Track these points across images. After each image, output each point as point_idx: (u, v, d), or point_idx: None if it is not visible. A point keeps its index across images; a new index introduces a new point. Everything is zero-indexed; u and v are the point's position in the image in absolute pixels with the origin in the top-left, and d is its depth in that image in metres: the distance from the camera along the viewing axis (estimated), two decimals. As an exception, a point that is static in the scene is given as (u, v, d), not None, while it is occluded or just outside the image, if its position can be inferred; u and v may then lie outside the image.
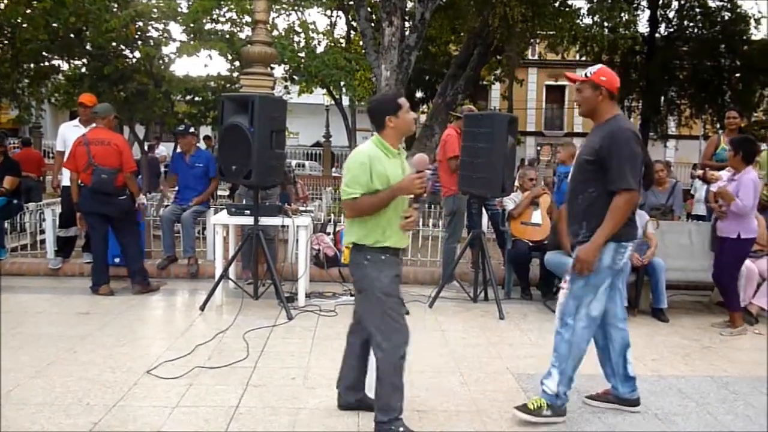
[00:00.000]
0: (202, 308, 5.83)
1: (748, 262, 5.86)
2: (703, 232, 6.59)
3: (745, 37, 19.70)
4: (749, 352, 5.18)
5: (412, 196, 3.35)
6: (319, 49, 16.81)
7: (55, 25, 10.86)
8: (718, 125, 19.44)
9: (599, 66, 3.81)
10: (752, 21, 19.51)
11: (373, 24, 11.38)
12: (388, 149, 3.34)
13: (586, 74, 3.73)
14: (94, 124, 6.35)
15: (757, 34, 19.82)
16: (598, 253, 3.54)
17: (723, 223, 5.60)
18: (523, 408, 3.67)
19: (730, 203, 5.43)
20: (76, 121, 7.11)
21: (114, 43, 11.16)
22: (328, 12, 20.38)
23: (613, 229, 3.52)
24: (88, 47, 11.46)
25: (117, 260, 6.78)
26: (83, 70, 11.97)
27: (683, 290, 7.01)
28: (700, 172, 7.11)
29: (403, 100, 3.38)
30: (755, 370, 4.73)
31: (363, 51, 13.78)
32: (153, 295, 6.42)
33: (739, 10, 19.56)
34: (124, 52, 11.71)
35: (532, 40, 16.92)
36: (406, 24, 10.75)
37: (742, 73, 19.93)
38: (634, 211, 3.66)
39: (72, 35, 11.29)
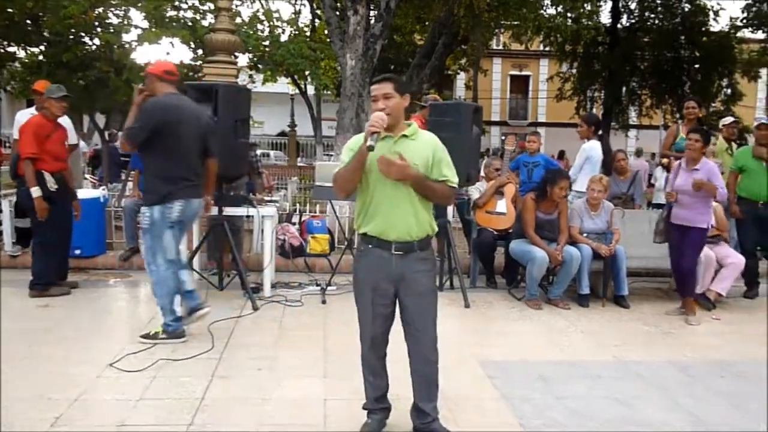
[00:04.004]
0: (166, 300, 5.76)
1: (706, 248, 5.98)
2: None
3: (704, 29, 20.07)
4: (707, 337, 5.31)
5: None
6: (284, 38, 16.66)
7: (10, 10, 10.55)
8: (677, 115, 19.80)
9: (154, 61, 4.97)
10: (711, 13, 19.88)
11: (338, 12, 11.29)
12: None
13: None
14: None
15: (715, 26, 20.22)
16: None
17: (689, 213, 5.63)
18: (145, 336, 4.63)
19: (715, 194, 5.49)
20: (32, 109, 6.93)
21: (73, 30, 10.89)
22: (293, 0, 20.19)
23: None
24: (45, 34, 11.17)
25: (78, 251, 6.67)
26: (41, 57, 11.68)
27: (643, 277, 7.15)
28: (665, 161, 7.21)
29: None
30: (713, 354, 4.85)
31: (328, 40, 13.68)
32: (116, 287, 6.32)
33: (698, 2, 19.91)
34: (83, 39, 11.43)
35: (496, 30, 17.00)
36: (372, 13, 10.68)
37: (702, 64, 20.31)
38: (183, 174, 4.56)
39: (29, 21, 11.00)
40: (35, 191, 5.57)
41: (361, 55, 9.45)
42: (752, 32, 19.29)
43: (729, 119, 8.08)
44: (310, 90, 20.71)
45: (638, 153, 19.14)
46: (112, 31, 11.34)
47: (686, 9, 20.10)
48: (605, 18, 20.46)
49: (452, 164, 3.19)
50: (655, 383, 4.21)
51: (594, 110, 21.77)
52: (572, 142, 9.58)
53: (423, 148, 3.12)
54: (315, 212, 7.95)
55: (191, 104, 4.85)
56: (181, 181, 4.58)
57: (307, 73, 15.67)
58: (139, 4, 11.50)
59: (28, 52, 12.09)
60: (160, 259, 4.57)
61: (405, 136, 3.10)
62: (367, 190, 3.11)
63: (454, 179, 3.17)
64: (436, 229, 3.27)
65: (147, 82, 4.75)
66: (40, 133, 5.65)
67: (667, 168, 7.12)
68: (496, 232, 6.67)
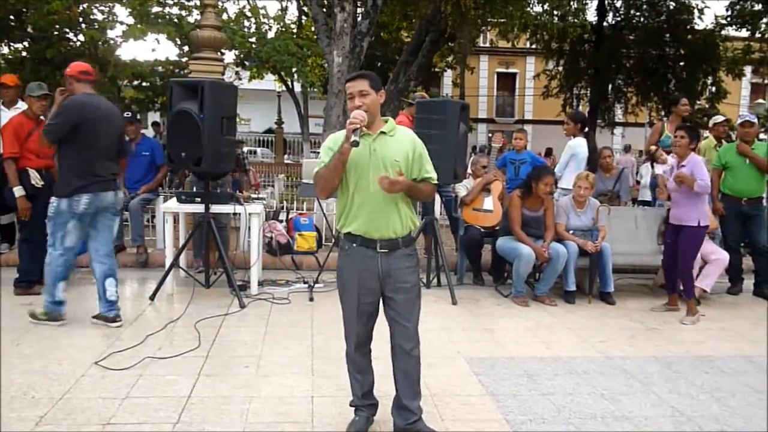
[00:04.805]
0: (152, 298, 5.74)
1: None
2: (648, 218, 6.78)
3: (689, 27, 20.18)
4: (691, 333, 5.36)
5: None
6: (270, 35, 16.62)
7: (-7, 6, 10.47)
8: (663, 113, 19.93)
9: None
10: (696, 11, 20.01)
11: (324, 9, 11.28)
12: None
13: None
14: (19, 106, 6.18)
15: (700, 24, 20.35)
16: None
17: (680, 211, 5.65)
18: (31, 315, 4.93)
19: (692, 185, 5.49)
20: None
21: (57, 26, 10.81)
22: (279, -4, 20.12)
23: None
24: (29, 30, 11.08)
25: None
26: (24, 53, 11.58)
27: (629, 274, 7.19)
28: (653, 147, 7.23)
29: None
30: (697, 350, 4.90)
31: (315, 37, 13.67)
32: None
33: (683, 0, 20.03)
34: (67, 35, 11.35)
35: (483, 28, 17.02)
36: (358, 10, 10.67)
37: (687, 62, 20.44)
38: (96, 171, 4.77)
39: (11, 17, 10.90)
40: (18, 191, 5.55)
41: (348, 53, 9.45)
42: (736, 30, 19.42)
43: (720, 118, 8.14)
44: (297, 87, 20.67)
45: (626, 149, 19.26)
46: (96, 27, 11.28)
47: (671, 7, 20.21)
48: (591, 16, 20.58)
49: (430, 159, 3.23)
50: (639, 379, 4.24)
51: (580, 107, 21.88)
52: (559, 139, 9.62)
53: (402, 144, 3.13)
54: (302, 209, 7.94)
55: (108, 104, 5.09)
56: (92, 177, 4.77)
57: (293, 70, 15.63)
58: (124, 0, 11.43)
59: (12, 48, 11.99)
60: (58, 244, 4.81)
61: (383, 132, 3.11)
62: (348, 190, 3.09)
63: (434, 174, 3.22)
64: (418, 224, 3.29)
65: (66, 83, 4.90)
66: (21, 131, 5.61)
67: (652, 160, 7.13)
68: (483, 230, 6.69)
